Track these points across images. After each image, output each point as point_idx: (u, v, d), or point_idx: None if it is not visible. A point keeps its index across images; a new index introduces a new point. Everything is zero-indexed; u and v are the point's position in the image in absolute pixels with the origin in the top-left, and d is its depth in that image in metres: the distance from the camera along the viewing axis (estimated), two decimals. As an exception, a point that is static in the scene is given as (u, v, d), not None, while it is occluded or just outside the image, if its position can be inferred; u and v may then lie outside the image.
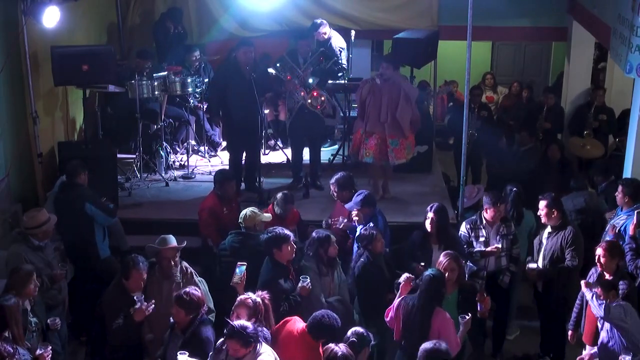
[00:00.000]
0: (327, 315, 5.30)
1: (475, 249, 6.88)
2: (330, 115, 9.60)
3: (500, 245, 6.82)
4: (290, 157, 9.88)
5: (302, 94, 8.80)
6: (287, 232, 6.24)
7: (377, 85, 8.32)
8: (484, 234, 6.90)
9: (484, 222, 6.93)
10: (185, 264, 6.20)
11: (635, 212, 6.62)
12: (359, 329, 5.21)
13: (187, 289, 5.54)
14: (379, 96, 8.31)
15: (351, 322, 6.11)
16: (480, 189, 8.27)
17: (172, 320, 5.60)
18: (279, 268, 6.16)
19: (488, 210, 6.87)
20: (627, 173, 7.61)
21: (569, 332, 6.53)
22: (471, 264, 6.93)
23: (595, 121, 10.43)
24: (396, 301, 5.86)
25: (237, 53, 8.77)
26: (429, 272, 5.75)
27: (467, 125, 7.84)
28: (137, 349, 6.04)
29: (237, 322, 5.06)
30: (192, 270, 6.18)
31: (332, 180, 7.42)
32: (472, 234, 6.93)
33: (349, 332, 5.16)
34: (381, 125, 8.37)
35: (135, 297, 5.78)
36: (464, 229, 7.00)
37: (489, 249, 6.83)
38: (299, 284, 5.98)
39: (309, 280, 6.01)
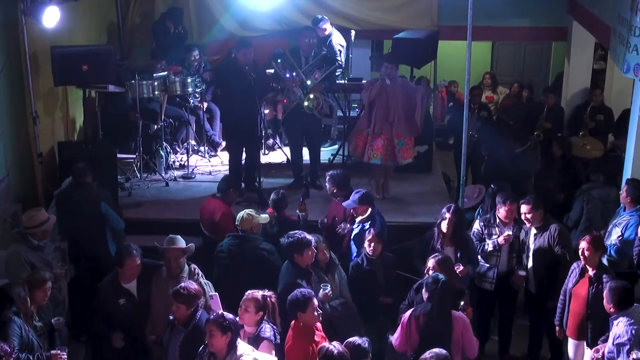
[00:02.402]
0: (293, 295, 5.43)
1: (488, 243, 6.87)
2: (327, 115, 9.57)
3: (511, 233, 6.81)
4: (289, 157, 9.91)
5: (299, 94, 8.79)
6: (309, 236, 6.20)
7: (386, 86, 8.31)
8: (497, 233, 6.90)
9: (498, 221, 6.94)
10: (194, 266, 6.17)
11: None
12: (356, 340, 5.07)
13: (183, 284, 5.54)
14: (386, 97, 8.31)
15: (357, 323, 6.12)
16: (481, 189, 8.28)
17: (171, 317, 5.59)
18: (300, 272, 6.10)
19: (501, 210, 6.87)
20: (627, 173, 7.60)
21: (556, 328, 6.54)
22: (483, 262, 6.95)
23: (591, 121, 10.44)
24: (404, 319, 5.68)
25: (237, 54, 8.77)
26: (434, 277, 5.61)
27: (467, 126, 7.84)
28: (137, 348, 6.08)
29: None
30: (200, 272, 6.16)
31: (327, 177, 7.44)
32: (486, 232, 6.95)
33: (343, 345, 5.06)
34: (389, 125, 8.36)
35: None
36: (477, 226, 7.01)
37: (500, 238, 6.81)
38: (320, 292, 5.90)
39: (329, 287, 5.98)
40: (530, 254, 6.84)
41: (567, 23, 10.90)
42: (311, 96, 8.75)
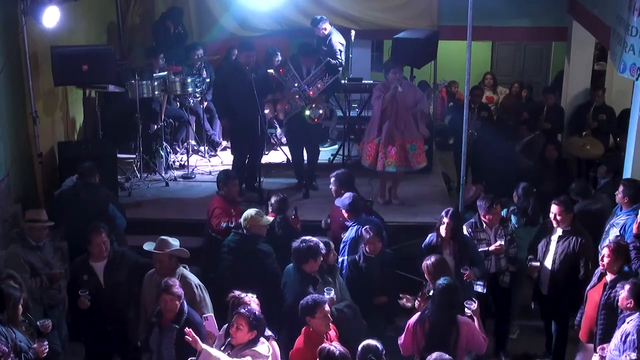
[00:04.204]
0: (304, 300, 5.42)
1: (480, 250, 6.86)
2: (327, 118, 9.54)
3: (503, 243, 6.83)
4: (289, 157, 9.93)
5: (301, 104, 8.77)
6: (321, 243, 6.18)
7: (398, 93, 8.21)
8: (486, 237, 6.92)
9: (484, 225, 6.94)
10: (183, 266, 6.13)
11: None
12: (371, 342, 5.04)
13: (165, 279, 5.58)
14: (397, 105, 8.24)
15: (362, 325, 6.13)
16: (477, 188, 8.29)
17: (155, 318, 5.57)
18: (308, 278, 6.09)
19: (486, 216, 6.88)
20: (627, 173, 7.60)
21: (575, 329, 6.53)
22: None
23: (594, 121, 10.44)
24: (410, 324, 5.67)
25: (239, 56, 8.79)
26: (440, 282, 5.61)
27: (467, 125, 7.84)
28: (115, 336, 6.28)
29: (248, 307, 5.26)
30: (188, 274, 6.11)
31: (333, 175, 7.45)
32: (474, 237, 6.94)
33: (360, 349, 5.01)
34: (400, 132, 8.32)
35: (80, 292, 6.01)
36: (465, 232, 6.97)
37: (492, 247, 6.85)
38: (325, 295, 5.85)
39: (333, 291, 5.97)
40: (550, 256, 6.78)
41: (567, 23, 10.89)
42: (313, 106, 8.73)
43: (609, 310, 5.85)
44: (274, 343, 5.44)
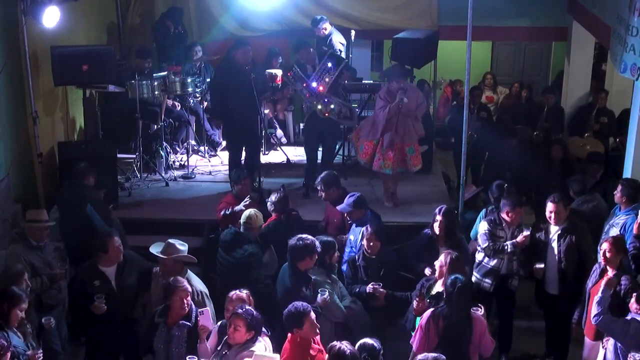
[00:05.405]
0: (289, 310, 5.35)
1: (507, 244, 6.75)
2: (347, 117, 9.49)
3: (529, 232, 6.71)
4: (289, 157, 9.92)
5: (315, 102, 8.76)
6: (317, 242, 6.18)
7: (404, 103, 8.12)
8: (504, 235, 6.85)
9: (504, 223, 6.87)
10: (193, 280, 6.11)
11: None
12: (368, 340, 5.05)
13: (174, 278, 5.59)
14: (400, 113, 8.19)
15: (367, 318, 6.15)
16: (477, 188, 8.28)
17: (159, 318, 5.56)
18: (302, 276, 6.09)
19: (509, 213, 6.78)
20: (627, 173, 7.61)
21: (573, 326, 6.55)
22: (485, 263, 6.91)
23: (596, 124, 10.44)
24: (423, 320, 5.63)
25: (236, 54, 8.77)
26: (457, 279, 5.54)
27: (466, 126, 7.84)
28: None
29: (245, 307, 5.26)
30: (192, 277, 6.12)
31: (317, 182, 7.44)
32: (492, 232, 6.85)
33: (357, 347, 5.01)
34: (400, 137, 8.30)
35: (95, 297, 5.92)
36: (485, 229, 6.86)
37: (519, 238, 6.71)
38: (319, 297, 5.90)
39: (327, 292, 5.97)
40: (555, 255, 6.76)
41: (567, 23, 10.90)
42: (325, 100, 8.66)
43: (613, 305, 5.81)
44: (267, 339, 5.44)
